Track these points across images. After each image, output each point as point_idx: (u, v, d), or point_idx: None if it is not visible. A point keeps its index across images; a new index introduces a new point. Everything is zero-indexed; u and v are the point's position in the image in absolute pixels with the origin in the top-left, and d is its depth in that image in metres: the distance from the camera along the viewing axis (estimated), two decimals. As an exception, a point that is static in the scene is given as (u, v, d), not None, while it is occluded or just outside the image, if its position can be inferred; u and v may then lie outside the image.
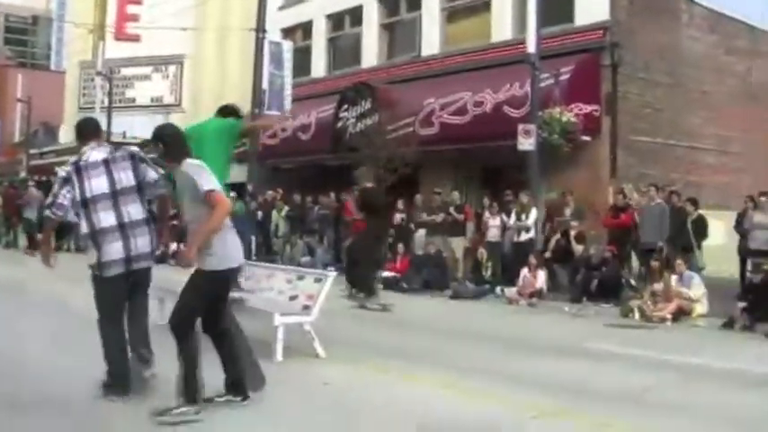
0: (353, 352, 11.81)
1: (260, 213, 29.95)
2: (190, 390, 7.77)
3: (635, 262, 22.10)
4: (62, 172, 9.00)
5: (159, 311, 13.82)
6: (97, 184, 8.63)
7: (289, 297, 11.89)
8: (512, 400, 9.20)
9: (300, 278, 12.19)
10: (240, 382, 8.33)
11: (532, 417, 8.52)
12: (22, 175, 52.84)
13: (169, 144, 8.06)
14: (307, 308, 11.39)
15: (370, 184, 20.61)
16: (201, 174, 7.75)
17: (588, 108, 24.80)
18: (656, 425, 8.41)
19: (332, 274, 12.06)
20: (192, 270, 8.04)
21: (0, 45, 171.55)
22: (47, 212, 8.82)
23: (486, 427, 8.15)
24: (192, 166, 7.83)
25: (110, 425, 7.87)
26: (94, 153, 8.78)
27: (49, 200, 8.89)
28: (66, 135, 54.36)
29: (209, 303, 7.99)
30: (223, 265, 7.81)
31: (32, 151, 54.55)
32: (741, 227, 20.72)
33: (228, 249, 7.86)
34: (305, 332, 11.29)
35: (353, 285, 19.21)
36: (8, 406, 8.11)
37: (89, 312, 8.87)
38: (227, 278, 8.00)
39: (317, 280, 11.75)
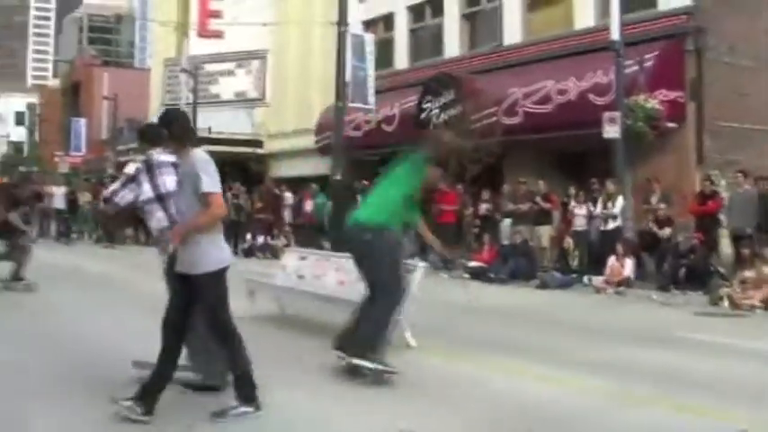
0: (444, 342, 11.91)
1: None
2: (247, 389, 7.78)
3: (724, 249, 21.90)
4: (131, 168, 9.16)
5: (250, 303, 14.09)
6: (170, 181, 8.78)
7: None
8: (607, 390, 9.23)
9: (391, 269, 12.23)
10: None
11: (632, 404, 8.55)
12: (110, 171, 53.56)
13: (175, 128, 7.98)
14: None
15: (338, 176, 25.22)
16: (207, 170, 7.68)
17: (673, 94, 24.57)
18: (754, 415, 8.34)
19: (422, 264, 12.13)
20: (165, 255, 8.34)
21: (85, 45, 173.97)
22: (101, 206, 9.04)
23: (596, 416, 8.18)
24: (200, 159, 7.76)
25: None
26: (163, 156, 8.91)
27: (106, 194, 9.09)
28: (151, 131, 55.02)
29: (215, 301, 7.88)
30: (222, 263, 7.77)
31: (119, 148, 55.17)
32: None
33: (221, 250, 7.85)
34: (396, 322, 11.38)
35: None
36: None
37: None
38: (224, 276, 7.87)
39: (407, 271, 11.79)
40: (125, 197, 8.98)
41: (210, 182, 7.60)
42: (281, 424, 7.72)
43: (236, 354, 7.84)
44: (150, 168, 8.94)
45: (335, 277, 13.14)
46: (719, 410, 8.38)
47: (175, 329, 7.87)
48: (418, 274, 11.61)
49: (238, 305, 14.04)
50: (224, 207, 7.84)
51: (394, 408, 8.30)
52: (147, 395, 7.58)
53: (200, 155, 7.81)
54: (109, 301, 16.16)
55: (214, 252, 7.71)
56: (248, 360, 7.87)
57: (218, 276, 7.75)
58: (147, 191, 8.92)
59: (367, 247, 9.53)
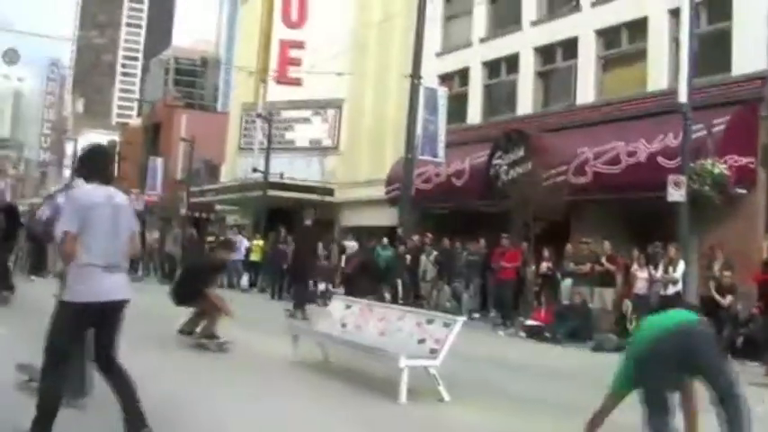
0: (481, 398, 11.77)
1: (408, 257, 29.90)
2: (38, 426, 7.50)
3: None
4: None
5: (294, 349, 14.18)
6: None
7: (417, 340, 11.89)
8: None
9: (430, 322, 12.18)
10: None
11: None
12: (182, 211, 54.11)
13: (83, 162, 8.28)
14: (434, 351, 11.38)
15: (309, 222, 27.67)
16: (64, 209, 7.89)
17: (744, 160, 24.27)
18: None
19: (461, 318, 12.03)
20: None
21: (170, 87, 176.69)
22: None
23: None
24: (73, 191, 7.99)
25: None
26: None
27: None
28: (226, 174, 55.62)
29: (72, 334, 7.85)
30: (74, 298, 7.68)
31: (193, 189, 55.74)
32: None
33: (82, 286, 7.69)
34: (431, 375, 11.30)
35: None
36: None
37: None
38: (84, 311, 7.73)
39: (446, 324, 11.73)
40: (44, 213, 9.36)
41: (65, 221, 7.72)
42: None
43: (49, 384, 7.64)
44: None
45: (376, 327, 13.07)
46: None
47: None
48: (456, 327, 11.47)
49: (282, 349, 14.22)
50: (66, 246, 7.68)
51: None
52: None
53: (74, 188, 8.09)
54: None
55: (73, 285, 7.68)
56: (58, 399, 7.64)
57: (67, 308, 7.73)
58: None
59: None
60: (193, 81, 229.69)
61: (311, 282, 31.99)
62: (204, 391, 11.09)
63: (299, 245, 27.60)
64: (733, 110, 24.86)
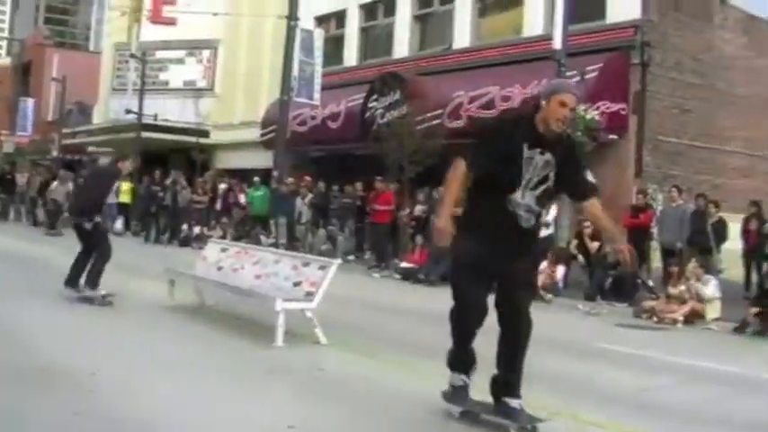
0: (356, 340, 11.82)
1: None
2: None
3: (654, 263, 22.03)
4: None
5: (170, 294, 14.12)
6: None
7: (293, 283, 11.90)
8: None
9: (306, 265, 12.20)
10: None
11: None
12: (54, 154, 53.16)
13: None
14: (310, 294, 11.40)
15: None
16: None
17: (615, 106, 24.65)
18: (649, 427, 8.32)
19: (336, 261, 12.04)
20: None
21: (40, 24, 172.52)
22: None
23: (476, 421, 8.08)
24: None
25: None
26: None
27: None
28: (99, 115, 54.68)
29: None
30: None
31: (65, 131, 54.70)
32: (748, 231, 20.91)
33: None
34: (308, 319, 11.32)
35: None
36: None
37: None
38: None
39: (322, 267, 11.75)
40: None
41: None
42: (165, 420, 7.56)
43: None
44: None
45: (252, 271, 13.05)
46: (617, 423, 8.31)
47: None
48: (331, 270, 11.50)
49: (159, 294, 14.12)
50: None
51: (288, 405, 8.22)
52: None
53: None
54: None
55: None
56: None
57: None
58: None
59: None
60: (66, 19, 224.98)
61: (186, 225, 31.76)
62: (78, 338, 11.02)
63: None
64: (606, 57, 25.21)
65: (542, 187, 7.19)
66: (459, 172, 7.30)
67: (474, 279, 7.37)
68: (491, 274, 7.40)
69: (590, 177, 7.56)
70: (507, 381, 7.55)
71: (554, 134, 7.08)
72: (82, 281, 14.09)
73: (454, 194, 7.47)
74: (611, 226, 7.71)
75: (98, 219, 14.18)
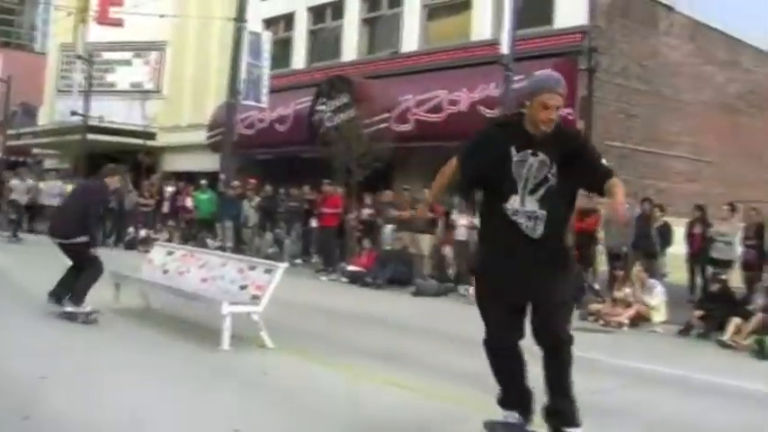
0: (302, 344, 11.79)
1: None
2: None
3: (600, 266, 22.16)
4: None
5: (115, 297, 14.04)
6: None
7: (239, 287, 11.87)
8: (459, 398, 9.13)
9: (252, 268, 12.17)
10: None
11: (478, 414, 8.44)
12: None
13: None
14: (256, 298, 11.38)
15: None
16: None
17: (563, 111, 24.67)
18: (595, 430, 8.34)
19: (283, 265, 12.02)
20: None
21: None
22: None
23: (421, 423, 8.09)
24: None
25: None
26: None
27: None
28: (44, 117, 54.23)
29: None
30: None
31: (10, 132, 54.21)
32: (692, 235, 21.16)
33: None
34: (254, 322, 11.28)
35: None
36: None
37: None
38: None
39: (268, 271, 11.74)
40: None
41: None
42: (111, 423, 7.50)
43: None
44: None
45: (198, 274, 12.99)
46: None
47: None
48: (278, 273, 11.47)
49: (104, 297, 13.98)
50: None
51: (233, 408, 8.17)
52: None
53: None
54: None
55: None
56: None
57: None
58: None
59: None
60: (11, 19, 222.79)
61: (132, 228, 31.51)
62: (24, 342, 10.93)
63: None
64: (553, 62, 25.29)
65: (542, 189, 6.75)
66: (448, 168, 7.09)
67: (494, 307, 7.12)
68: (514, 295, 6.97)
69: (603, 161, 7.20)
70: (558, 409, 7.29)
71: (544, 134, 6.77)
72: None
73: (438, 185, 7.33)
74: (621, 191, 7.15)
75: (83, 239, 13.13)
